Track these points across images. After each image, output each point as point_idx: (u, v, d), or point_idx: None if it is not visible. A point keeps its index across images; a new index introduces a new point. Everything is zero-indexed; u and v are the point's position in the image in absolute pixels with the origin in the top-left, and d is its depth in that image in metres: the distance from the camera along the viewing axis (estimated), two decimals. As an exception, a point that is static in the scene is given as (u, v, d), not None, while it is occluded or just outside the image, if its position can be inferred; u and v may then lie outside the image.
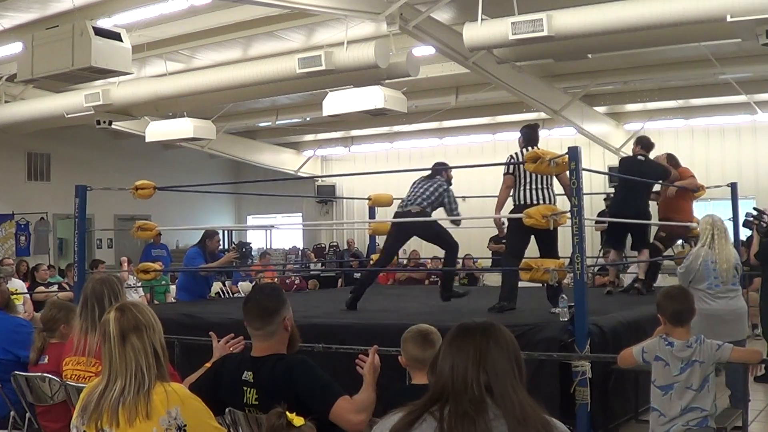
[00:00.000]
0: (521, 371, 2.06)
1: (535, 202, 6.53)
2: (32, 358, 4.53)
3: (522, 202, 6.65)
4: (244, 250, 9.59)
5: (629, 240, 8.57)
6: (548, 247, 6.69)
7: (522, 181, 6.71)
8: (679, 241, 9.87)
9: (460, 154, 17.79)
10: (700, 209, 10.41)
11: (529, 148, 6.74)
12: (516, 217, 6.51)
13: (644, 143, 8.47)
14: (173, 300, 11.71)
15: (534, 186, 6.64)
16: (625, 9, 8.22)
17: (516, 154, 6.88)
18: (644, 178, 8.02)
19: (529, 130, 7.10)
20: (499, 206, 6.98)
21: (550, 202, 6.56)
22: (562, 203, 6.25)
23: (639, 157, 8.33)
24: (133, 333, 2.69)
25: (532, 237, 6.67)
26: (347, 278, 14.06)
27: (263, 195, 17.68)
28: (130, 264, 12.16)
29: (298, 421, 2.56)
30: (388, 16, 9.20)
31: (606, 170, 13.74)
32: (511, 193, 6.81)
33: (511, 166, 6.80)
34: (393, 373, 4.65)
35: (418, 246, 16.47)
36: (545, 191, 6.63)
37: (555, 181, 6.71)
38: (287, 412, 2.57)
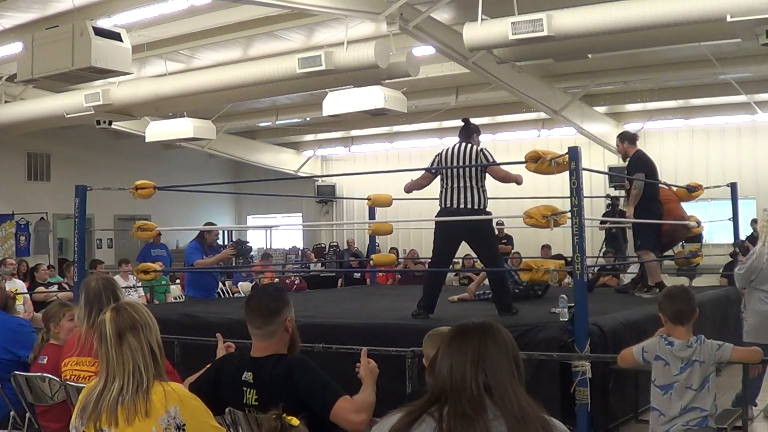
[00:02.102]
0: (520, 371, 2.06)
1: (460, 206, 6.35)
2: (31, 358, 4.54)
3: (448, 205, 6.42)
4: (241, 248, 9.57)
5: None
6: (488, 251, 6.58)
7: (447, 182, 6.44)
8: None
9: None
10: (700, 209, 10.45)
11: (460, 145, 6.56)
12: (441, 221, 6.47)
13: (633, 137, 8.16)
14: (174, 299, 11.72)
15: (459, 185, 6.37)
16: (625, 9, 8.21)
17: (441, 152, 6.62)
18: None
19: (468, 127, 6.75)
20: (407, 189, 6.87)
21: (477, 204, 6.36)
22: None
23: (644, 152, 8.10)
24: (129, 332, 2.69)
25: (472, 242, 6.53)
26: (347, 278, 14.07)
27: (263, 195, 17.68)
28: (129, 264, 12.14)
29: (294, 421, 2.57)
30: (388, 16, 9.20)
31: (606, 170, 13.74)
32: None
33: (433, 165, 6.59)
34: (393, 372, 4.66)
35: (417, 246, 16.54)
36: (471, 191, 6.35)
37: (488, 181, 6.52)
38: (284, 414, 2.57)
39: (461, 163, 6.42)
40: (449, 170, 6.45)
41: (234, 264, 11.42)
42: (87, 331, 3.74)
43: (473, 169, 6.40)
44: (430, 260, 6.98)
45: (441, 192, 6.52)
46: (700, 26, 8.34)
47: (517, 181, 6.49)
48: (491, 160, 6.52)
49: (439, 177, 6.62)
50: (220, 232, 15.15)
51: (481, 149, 6.53)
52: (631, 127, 15.81)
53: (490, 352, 2.03)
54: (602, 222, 11.35)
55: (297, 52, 10.43)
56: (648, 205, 7.54)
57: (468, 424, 1.94)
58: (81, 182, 7.60)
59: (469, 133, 6.72)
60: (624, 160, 8.18)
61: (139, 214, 14.37)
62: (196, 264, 8.86)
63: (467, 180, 6.38)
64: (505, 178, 6.51)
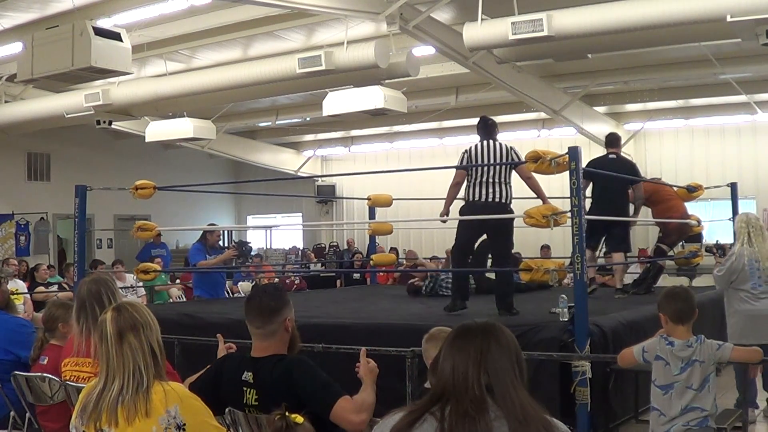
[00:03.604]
0: (522, 371, 2.06)
1: (488, 198, 6.46)
2: (32, 358, 4.54)
3: (473, 198, 6.54)
4: (243, 248, 9.75)
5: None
6: (501, 246, 6.68)
7: (474, 176, 6.57)
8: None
9: (460, 154, 17.79)
10: (700, 209, 10.44)
11: (488, 142, 6.65)
12: (466, 212, 6.58)
13: (610, 140, 8.34)
14: (174, 300, 11.72)
15: (486, 180, 6.48)
16: (625, 9, 8.21)
17: (470, 148, 6.72)
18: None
19: (486, 123, 6.87)
20: (448, 203, 6.87)
21: (503, 198, 6.48)
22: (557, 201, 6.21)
23: (610, 155, 8.19)
24: (130, 332, 2.69)
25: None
26: (347, 278, 14.07)
27: (263, 195, 17.68)
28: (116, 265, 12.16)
29: (299, 419, 2.57)
30: (388, 16, 9.20)
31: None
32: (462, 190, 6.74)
33: (463, 162, 6.69)
34: (393, 372, 4.66)
35: (417, 246, 16.55)
36: (499, 186, 6.48)
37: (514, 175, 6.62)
38: (288, 413, 2.58)
39: (493, 160, 6.53)
40: (478, 167, 6.53)
41: (234, 264, 11.49)
42: (78, 335, 3.76)
43: (502, 166, 6.51)
44: (452, 250, 7.09)
45: (467, 186, 6.63)
46: (700, 26, 8.34)
47: (541, 195, 6.49)
48: (521, 158, 6.56)
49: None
50: (221, 232, 15.14)
51: (511, 147, 6.65)
52: (631, 127, 15.87)
53: (493, 353, 2.03)
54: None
55: (297, 52, 10.43)
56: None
57: (470, 424, 1.94)
58: (81, 182, 7.60)
59: (490, 129, 6.82)
60: None
61: (139, 214, 14.37)
62: (199, 265, 9.07)
63: (495, 176, 6.50)
64: (530, 179, 6.53)
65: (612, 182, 7.76)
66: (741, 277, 5.82)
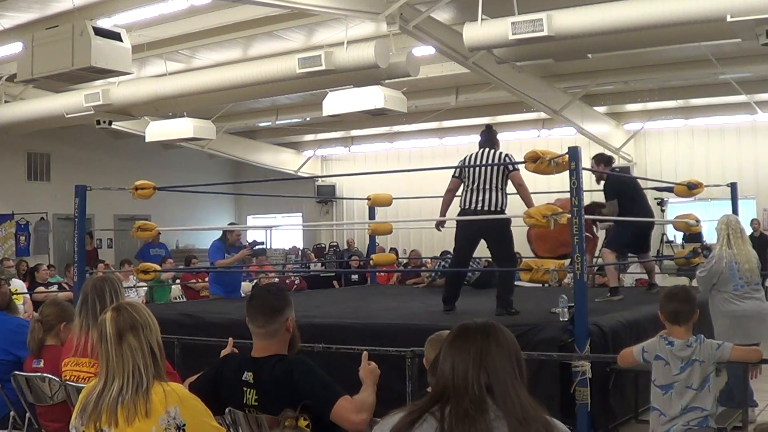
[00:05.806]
0: (522, 371, 2.06)
1: (479, 206, 6.49)
2: (33, 348, 4.44)
3: (466, 206, 6.60)
4: (255, 248, 9.95)
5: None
6: (502, 251, 6.71)
7: (468, 182, 6.62)
8: (679, 241, 9.88)
9: (460, 154, 17.71)
10: (700, 209, 10.45)
11: (485, 149, 6.69)
12: (462, 220, 6.64)
13: (606, 160, 8.56)
14: (175, 299, 11.74)
15: (478, 187, 6.52)
16: (625, 9, 8.22)
17: (466, 156, 6.79)
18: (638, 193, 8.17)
19: (490, 132, 6.94)
20: (443, 210, 6.98)
21: (495, 206, 6.48)
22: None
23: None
24: (129, 332, 2.69)
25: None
26: (346, 278, 14.06)
27: (263, 195, 17.69)
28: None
29: (302, 422, 2.59)
30: (388, 16, 9.20)
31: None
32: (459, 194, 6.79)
33: (458, 169, 6.75)
34: (393, 372, 4.66)
35: (417, 246, 16.54)
36: (492, 192, 6.50)
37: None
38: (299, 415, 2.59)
39: (485, 168, 6.55)
40: (472, 174, 6.57)
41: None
42: (78, 334, 3.76)
43: (495, 173, 6.53)
44: (451, 257, 7.19)
45: (462, 193, 6.68)
46: (700, 26, 8.34)
47: (529, 204, 6.50)
48: (515, 166, 6.58)
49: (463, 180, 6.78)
50: (221, 232, 15.18)
51: (507, 154, 6.64)
52: (631, 127, 15.87)
53: (492, 353, 2.03)
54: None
55: (297, 52, 10.43)
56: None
57: (470, 424, 1.94)
58: (81, 182, 7.60)
59: (491, 138, 6.85)
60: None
61: (139, 214, 14.37)
62: (217, 263, 9.28)
63: (488, 183, 6.51)
64: (521, 186, 6.55)
65: (638, 197, 8.12)
66: (722, 280, 5.85)
